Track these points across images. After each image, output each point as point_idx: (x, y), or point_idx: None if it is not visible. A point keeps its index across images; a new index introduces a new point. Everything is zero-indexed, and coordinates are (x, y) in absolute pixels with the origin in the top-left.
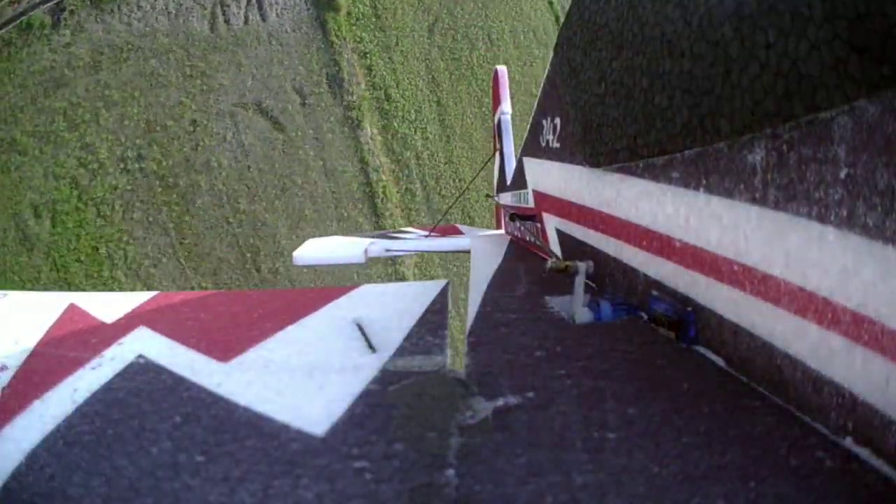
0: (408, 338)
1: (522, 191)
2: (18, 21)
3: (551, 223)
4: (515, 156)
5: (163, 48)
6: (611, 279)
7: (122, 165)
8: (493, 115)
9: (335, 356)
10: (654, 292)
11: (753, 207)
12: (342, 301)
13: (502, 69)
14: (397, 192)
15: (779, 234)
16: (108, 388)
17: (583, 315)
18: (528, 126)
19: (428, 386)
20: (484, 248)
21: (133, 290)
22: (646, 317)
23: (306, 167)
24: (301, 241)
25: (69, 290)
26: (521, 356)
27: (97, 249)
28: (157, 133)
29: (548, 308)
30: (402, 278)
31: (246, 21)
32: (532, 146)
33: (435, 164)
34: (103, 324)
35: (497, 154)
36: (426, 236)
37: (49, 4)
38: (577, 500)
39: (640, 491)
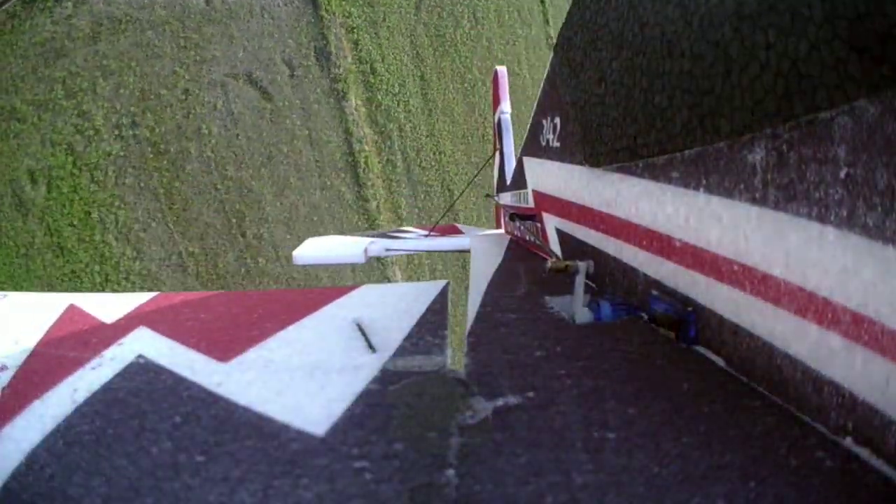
0: (408, 338)
1: (522, 190)
2: None
3: (551, 223)
4: (515, 155)
5: (159, 20)
6: (611, 279)
7: (116, 132)
8: (493, 115)
9: (335, 356)
10: (654, 292)
11: (753, 207)
12: (342, 301)
13: (502, 69)
14: (379, 163)
15: (779, 234)
16: (108, 388)
17: (583, 315)
18: (528, 126)
19: (428, 386)
20: (484, 247)
21: (123, 254)
22: (646, 317)
23: (292, 136)
24: (285, 207)
25: (61, 254)
26: (521, 356)
27: (90, 214)
28: (150, 101)
29: (548, 308)
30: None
31: None
32: (532, 146)
33: (416, 136)
34: (103, 324)
35: (497, 154)
36: (426, 236)
37: None
38: (577, 500)
39: (640, 491)
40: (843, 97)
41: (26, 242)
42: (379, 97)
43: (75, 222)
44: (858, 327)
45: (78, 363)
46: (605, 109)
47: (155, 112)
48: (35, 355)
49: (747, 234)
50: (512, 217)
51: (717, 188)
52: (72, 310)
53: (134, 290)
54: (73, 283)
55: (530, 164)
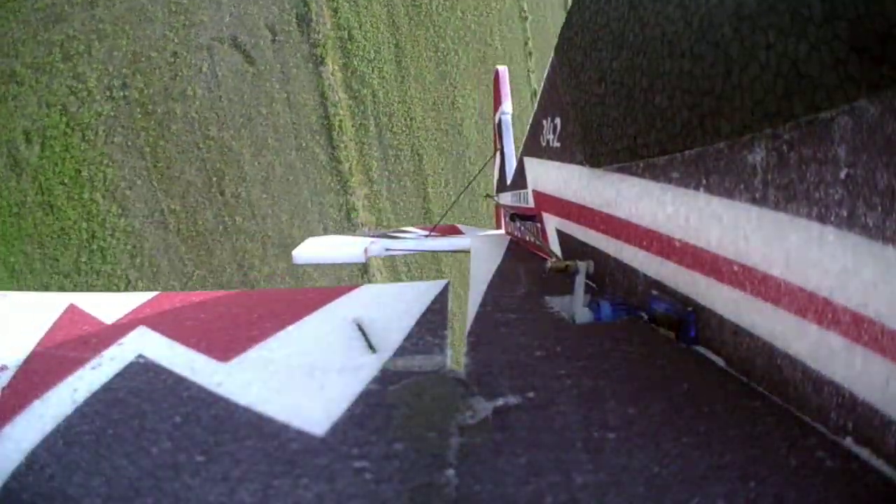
0: (408, 338)
1: (522, 191)
2: None
3: (551, 223)
4: (516, 156)
5: None
6: (611, 279)
7: (108, 93)
8: (494, 115)
9: (335, 356)
10: (654, 292)
11: (753, 207)
12: (342, 301)
13: (503, 69)
14: (352, 127)
15: (779, 234)
16: (108, 388)
17: (583, 315)
18: (529, 126)
19: (428, 386)
20: (484, 247)
21: (109, 211)
22: (646, 317)
23: (272, 99)
24: (262, 167)
25: (51, 212)
26: (521, 356)
27: (80, 172)
28: (141, 63)
29: (548, 308)
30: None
31: None
32: (532, 146)
33: (389, 102)
34: (103, 324)
35: (497, 154)
36: (426, 236)
37: None
38: (577, 500)
39: (640, 491)
40: (843, 97)
41: (19, 201)
42: (355, 63)
43: (66, 180)
44: (858, 327)
45: (78, 363)
46: (605, 109)
47: (144, 74)
48: (35, 355)
49: (747, 234)
50: (512, 217)
51: (718, 188)
52: (72, 310)
53: (118, 245)
54: (62, 239)
55: (530, 164)
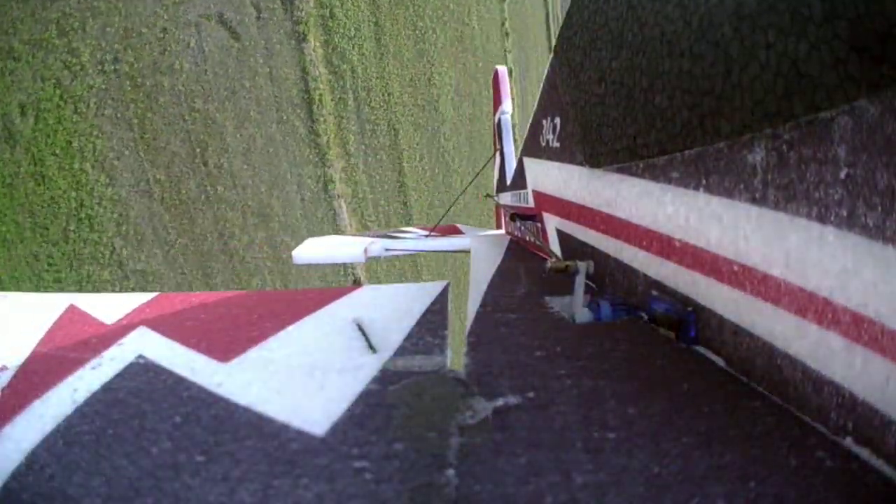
0: (408, 338)
1: (522, 191)
2: None
3: (551, 223)
4: (515, 156)
5: None
6: (611, 279)
7: (100, 67)
8: (494, 115)
9: (335, 356)
10: (654, 292)
11: (753, 207)
12: (342, 301)
13: (502, 69)
14: (332, 101)
15: (779, 234)
16: (108, 388)
17: (583, 315)
18: (528, 126)
19: (428, 386)
20: (484, 248)
21: (97, 181)
22: (646, 317)
23: (255, 73)
24: (244, 139)
25: (42, 182)
26: (521, 356)
27: (70, 143)
28: (132, 39)
29: (548, 308)
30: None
31: None
32: (532, 146)
33: (367, 77)
34: (103, 324)
35: (497, 154)
36: (426, 236)
37: None
38: (577, 500)
39: (640, 491)
40: (843, 97)
41: (12, 172)
42: (336, 40)
43: (57, 151)
44: (858, 327)
45: (78, 363)
46: (604, 109)
47: (135, 49)
48: (35, 355)
49: (747, 234)
50: (512, 217)
51: (717, 188)
52: (72, 310)
53: (105, 214)
54: (52, 209)
55: (530, 164)
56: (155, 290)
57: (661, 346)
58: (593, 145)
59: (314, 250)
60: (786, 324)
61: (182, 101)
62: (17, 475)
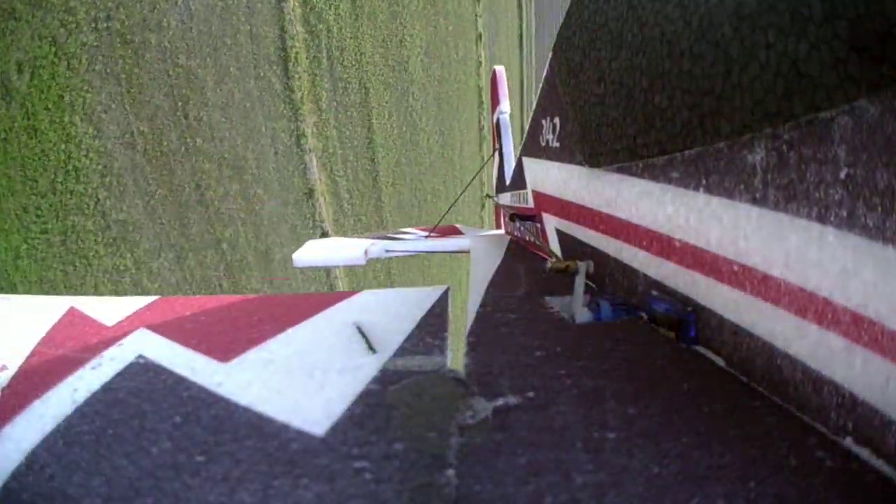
0: (408, 339)
1: (522, 191)
2: None
3: (551, 223)
4: (514, 156)
5: None
6: (611, 279)
7: (93, 25)
8: (492, 115)
9: (335, 356)
10: (654, 292)
11: (753, 207)
12: (342, 305)
13: (500, 69)
14: (307, 59)
15: (779, 234)
16: (108, 388)
17: (583, 315)
18: (528, 126)
19: (428, 386)
20: (484, 248)
21: (85, 133)
22: (646, 317)
23: (236, 31)
24: (223, 94)
25: (35, 136)
26: (521, 356)
27: (62, 98)
28: None
29: (548, 308)
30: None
31: None
32: (531, 146)
33: (342, 38)
34: (104, 326)
35: (496, 154)
36: (426, 237)
37: None
38: (577, 500)
39: (640, 491)
40: (843, 97)
41: (6, 127)
42: (314, 0)
43: (50, 106)
44: (858, 327)
45: (78, 363)
46: (604, 109)
47: (126, 7)
48: (35, 355)
49: (747, 234)
50: (512, 217)
51: (717, 188)
52: (72, 312)
53: (91, 165)
54: (42, 161)
55: (530, 164)
56: (134, 240)
57: (661, 346)
58: (593, 145)
59: (314, 253)
60: (786, 324)
61: (167, 58)
62: (17, 475)
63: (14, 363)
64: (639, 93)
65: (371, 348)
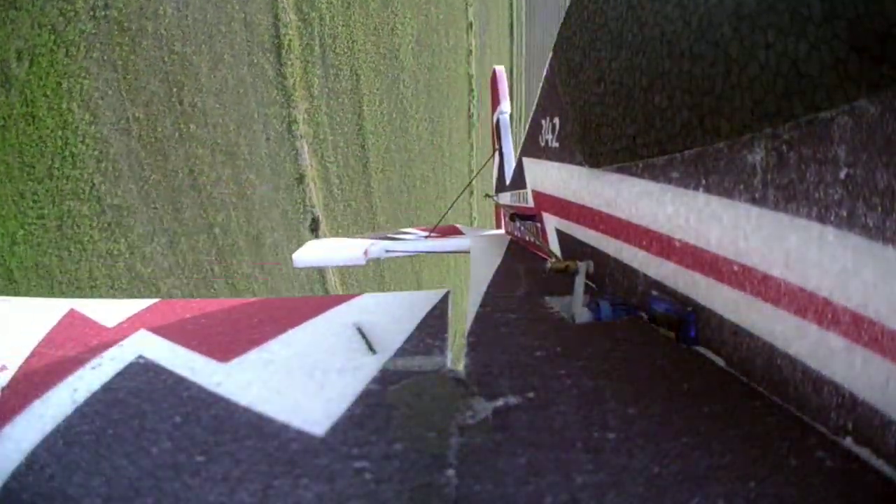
0: (408, 340)
1: (522, 191)
2: None
3: (551, 223)
4: (514, 155)
5: None
6: (611, 279)
7: (91, 13)
8: (492, 115)
9: (335, 357)
10: (655, 292)
11: (753, 207)
12: (342, 307)
13: (500, 69)
14: (300, 46)
15: (779, 234)
16: (108, 388)
17: (583, 315)
18: (527, 126)
19: (428, 386)
20: (484, 248)
21: (82, 119)
22: (646, 317)
23: (231, 18)
24: (217, 80)
25: (33, 122)
26: (521, 356)
27: (60, 84)
28: None
29: (548, 308)
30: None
31: None
32: (531, 146)
33: (334, 25)
34: (103, 327)
35: (496, 154)
36: (426, 237)
37: None
38: (577, 500)
39: (640, 491)
40: (843, 97)
41: (5, 115)
42: None
43: (48, 93)
44: (858, 327)
45: (78, 363)
46: (604, 109)
47: None
48: (35, 356)
49: (747, 234)
50: (512, 217)
51: (717, 188)
52: (72, 314)
53: (87, 151)
54: (39, 147)
55: (529, 164)
56: (128, 225)
57: (661, 346)
58: (593, 145)
59: (314, 253)
60: (786, 324)
61: (163, 45)
62: (17, 475)
63: (14, 363)
64: (639, 93)
65: (371, 349)
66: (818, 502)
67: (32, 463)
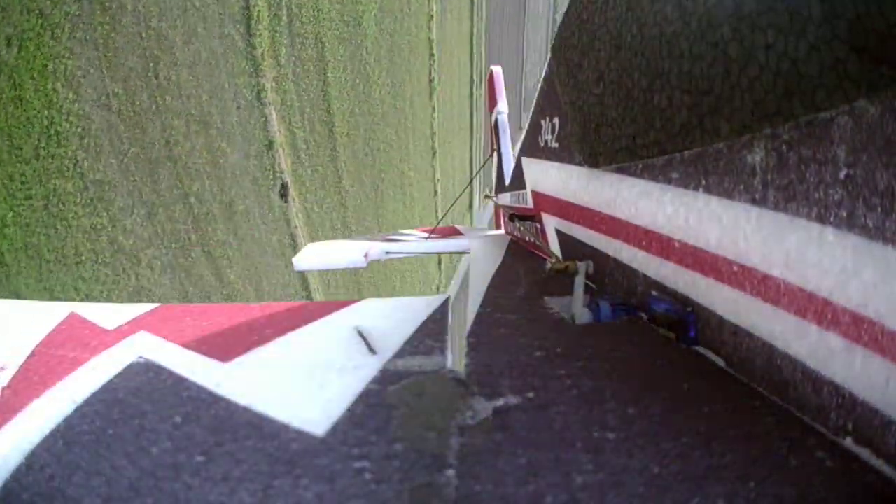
0: (408, 342)
1: (521, 191)
2: None
3: (551, 223)
4: (513, 156)
5: None
6: (611, 279)
7: None
8: (490, 115)
9: (335, 357)
10: (654, 292)
11: (753, 208)
12: (343, 312)
13: (497, 69)
14: (268, 16)
15: (778, 234)
16: (107, 388)
17: (583, 315)
18: (527, 126)
19: (428, 386)
20: (483, 248)
21: (66, 98)
22: (646, 317)
23: None
24: (191, 53)
25: (20, 104)
26: (521, 356)
27: (46, 66)
28: None
29: (548, 308)
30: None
31: None
32: (530, 146)
33: None
34: (104, 329)
35: (495, 154)
36: (426, 238)
37: None
38: (577, 500)
39: (640, 491)
40: (843, 97)
41: None
42: None
43: (35, 75)
44: (858, 327)
45: (78, 363)
46: (603, 110)
47: None
48: (35, 356)
49: (747, 234)
50: (511, 218)
51: (717, 189)
52: (73, 317)
53: (71, 129)
54: (26, 129)
55: (529, 164)
56: (109, 199)
57: (661, 346)
58: (592, 145)
59: (314, 257)
60: (786, 324)
61: (141, 21)
62: (17, 475)
63: (14, 363)
64: (638, 93)
65: (371, 350)
66: (818, 502)
67: (32, 463)
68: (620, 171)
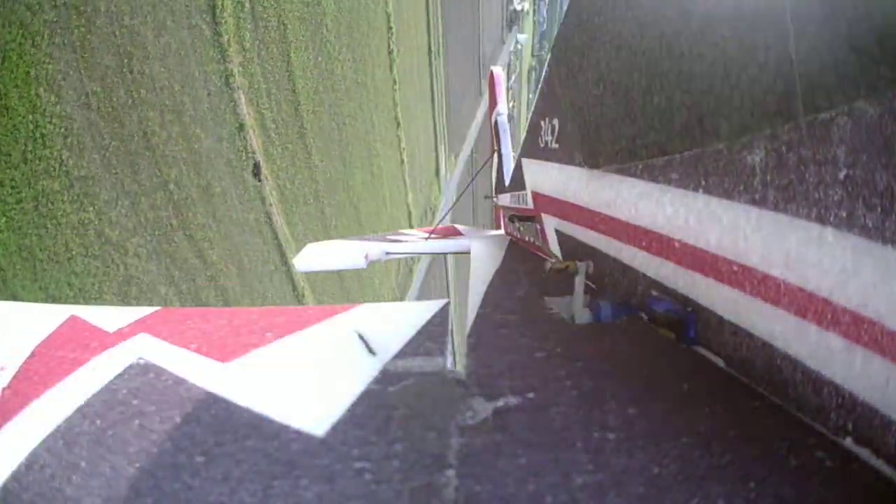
0: (409, 343)
1: (521, 192)
2: None
3: (551, 224)
4: (514, 157)
5: None
6: (611, 279)
7: (53, 3)
8: (490, 116)
9: (335, 358)
10: (654, 292)
11: (753, 208)
12: (343, 315)
13: (498, 70)
14: (231, 4)
15: (778, 234)
16: (108, 388)
17: (583, 316)
18: (526, 127)
19: (428, 386)
20: (483, 249)
21: (48, 101)
22: (646, 317)
23: None
24: (162, 46)
25: (6, 113)
26: (521, 357)
27: (29, 73)
28: None
29: (548, 309)
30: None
31: None
32: (530, 147)
33: None
34: (104, 331)
35: (495, 155)
36: (426, 238)
37: None
38: (577, 500)
39: (640, 491)
40: (843, 97)
41: None
42: None
43: (18, 83)
44: (858, 327)
45: (78, 364)
46: (603, 110)
47: None
48: (35, 356)
49: (747, 234)
50: (511, 218)
51: (717, 189)
52: (73, 319)
53: (55, 130)
54: (13, 135)
55: (529, 165)
56: (94, 193)
57: (661, 346)
58: (592, 146)
59: (315, 258)
60: (786, 324)
61: (114, 20)
62: (17, 475)
63: (14, 364)
64: (638, 94)
65: (371, 351)
66: (818, 502)
67: (32, 463)
68: (620, 171)
